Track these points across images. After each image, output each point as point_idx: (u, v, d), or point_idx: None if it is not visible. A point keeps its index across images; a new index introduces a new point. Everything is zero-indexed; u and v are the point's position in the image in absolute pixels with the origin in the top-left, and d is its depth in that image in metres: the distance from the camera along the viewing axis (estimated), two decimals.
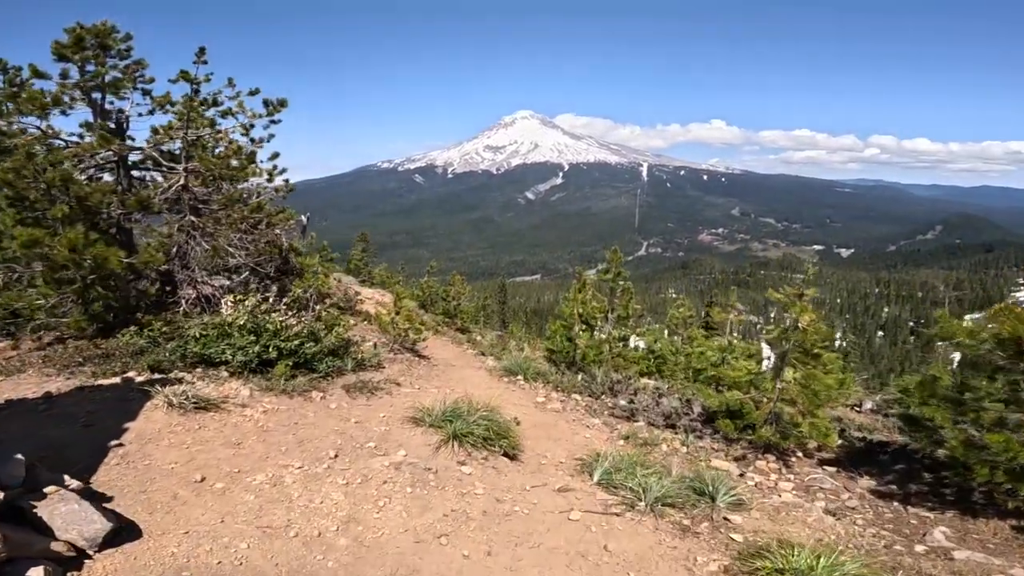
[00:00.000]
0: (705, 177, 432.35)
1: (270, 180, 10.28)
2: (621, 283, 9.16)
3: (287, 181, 11.43)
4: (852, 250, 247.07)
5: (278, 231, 10.75)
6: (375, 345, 9.42)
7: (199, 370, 5.99)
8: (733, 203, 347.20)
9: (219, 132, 7.91)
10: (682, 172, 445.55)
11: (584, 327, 9.37)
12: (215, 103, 7.82)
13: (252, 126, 8.57)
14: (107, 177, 7.92)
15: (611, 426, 7.17)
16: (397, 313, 9.27)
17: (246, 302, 6.07)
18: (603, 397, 8.22)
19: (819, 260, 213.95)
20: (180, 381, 5.44)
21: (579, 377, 8.71)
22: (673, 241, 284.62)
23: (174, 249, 7.91)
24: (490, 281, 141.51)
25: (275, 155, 10.24)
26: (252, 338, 5.95)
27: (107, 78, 7.30)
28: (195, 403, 4.91)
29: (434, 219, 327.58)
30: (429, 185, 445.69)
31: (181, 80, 7.44)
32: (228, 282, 8.62)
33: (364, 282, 27.47)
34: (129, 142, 7.83)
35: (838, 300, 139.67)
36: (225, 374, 5.95)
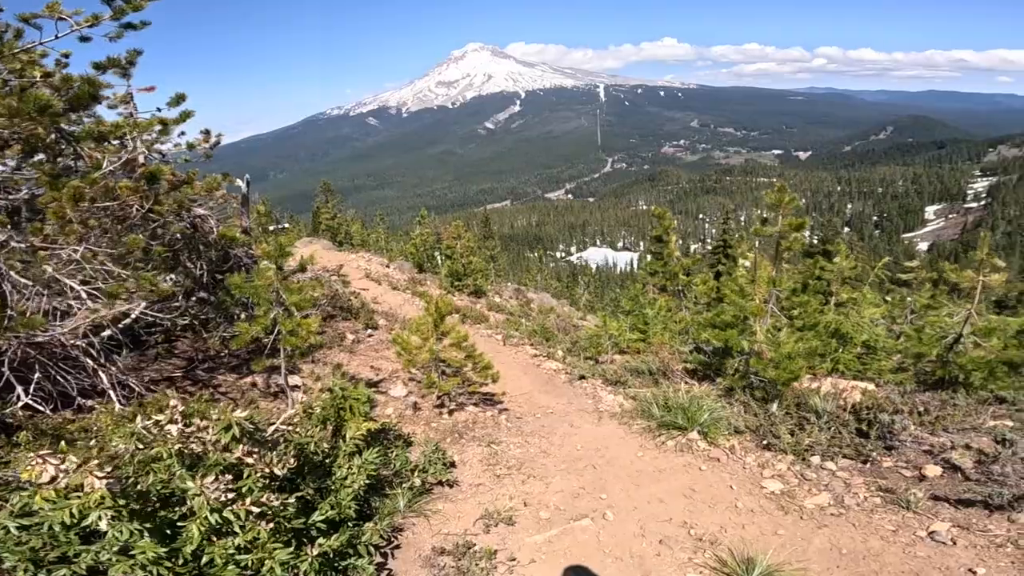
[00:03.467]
0: (662, 93, 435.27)
1: (163, 133, 6.07)
2: (794, 239, 5.35)
3: (208, 134, 7.25)
4: (810, 152, 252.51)
5: (201, 211, 6.73)
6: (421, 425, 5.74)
7: None
8: (692, 116, 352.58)
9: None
10: (639, 90, 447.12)
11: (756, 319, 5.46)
12: None
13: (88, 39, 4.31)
14: None
15: (986, 536, 3.37)
16: (441, 338, 5.45)
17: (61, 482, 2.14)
18: (876, 456, 4.41)
19: (780, 163, 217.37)
20: None
21: (775, 412, 5.17)
22: (637, 156, 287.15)
23: None
24: (461, 211, 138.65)
25: (179, 97, 6.01)
26: None
27: None
28: None
29: (395, 158, 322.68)
30: (385, 126, 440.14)
31: None
32: (104, 333, 4.71)
33: (342, 244, 23.22)
34: None
35: (803, 200, 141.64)
36: None
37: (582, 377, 7.42)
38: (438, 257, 18.90)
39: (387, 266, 15.97)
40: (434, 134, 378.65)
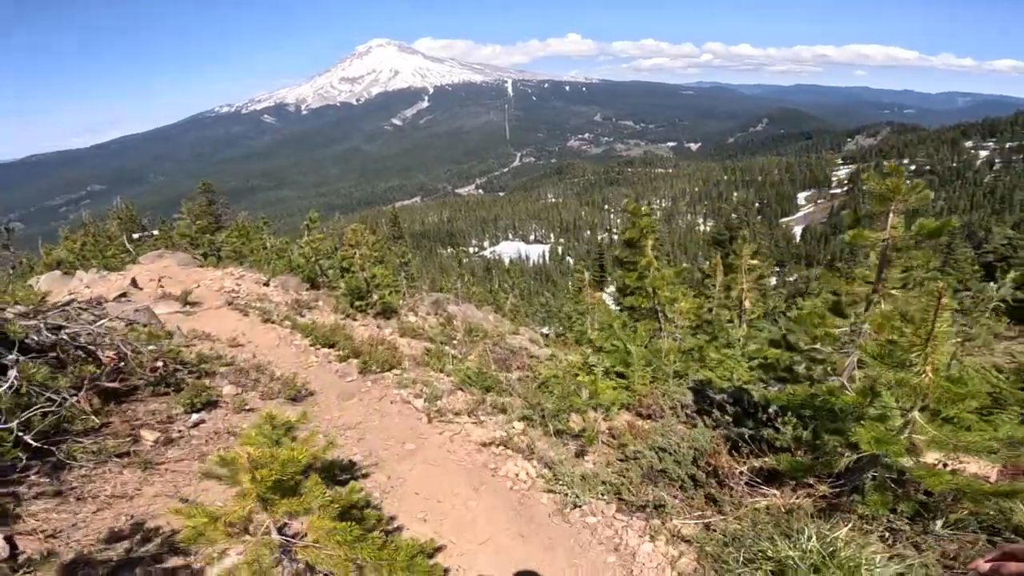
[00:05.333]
0: (567, 88, 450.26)
1: None
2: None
3: None
4: (699, 144, 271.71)
5: None
6: None
7: None
8: (595, 110, 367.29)
9: None
10: (546, 85, 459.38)
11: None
12: None
13: None
14: None
15: None
16: (289, 522, 2.23)
17: None
18: None
19: (674, 155, 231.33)
20: None
21: (941, 531, 3.03)
22: (545, 149, 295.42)
23: None
24: (368, 210, 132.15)
25: None
26: None
27: None
28: None
29: (295, 157, 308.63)
30: (283, 124, 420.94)
31: None
32: None
33: (207, 257, 19.17)
34: None
35: (696, 189, 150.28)
36: None
37: (578, 505, 4.27)
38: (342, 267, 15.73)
39: (266, 284, 12.71)
40: (338, 131, 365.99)
